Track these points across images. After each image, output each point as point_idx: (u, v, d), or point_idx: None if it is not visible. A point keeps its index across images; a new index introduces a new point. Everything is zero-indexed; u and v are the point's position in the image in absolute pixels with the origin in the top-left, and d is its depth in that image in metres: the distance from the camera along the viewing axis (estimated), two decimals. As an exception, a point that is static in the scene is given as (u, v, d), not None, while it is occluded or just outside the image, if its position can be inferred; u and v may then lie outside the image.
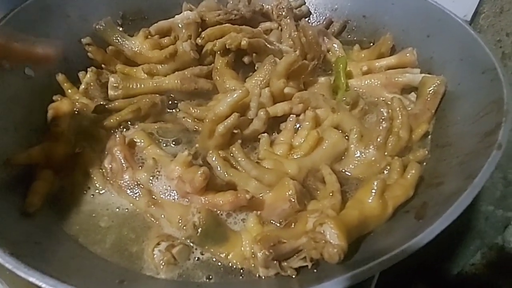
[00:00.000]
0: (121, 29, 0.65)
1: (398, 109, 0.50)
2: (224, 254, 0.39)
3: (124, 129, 0.56)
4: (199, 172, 0.39)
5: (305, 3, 0.82)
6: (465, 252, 0.97)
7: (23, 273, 0.29)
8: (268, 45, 0.60)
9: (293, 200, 0.40)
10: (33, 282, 0.29)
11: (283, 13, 0.75)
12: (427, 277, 1.06)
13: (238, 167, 0.47)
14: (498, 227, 0.91)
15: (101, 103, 0.58)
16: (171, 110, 0.60)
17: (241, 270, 0.39)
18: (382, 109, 0.49)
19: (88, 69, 0.65)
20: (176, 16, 0.66)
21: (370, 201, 0.39)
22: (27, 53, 0.44)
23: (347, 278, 0.30)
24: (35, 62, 0.46)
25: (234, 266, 0.39)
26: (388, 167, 0.47)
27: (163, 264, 0.38)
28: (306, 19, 0.82)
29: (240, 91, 0.47)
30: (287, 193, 0.40)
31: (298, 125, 0.54)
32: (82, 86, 0.61)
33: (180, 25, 0.65)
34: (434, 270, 1.05)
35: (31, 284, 0.28)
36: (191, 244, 0.40)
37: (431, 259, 1.04)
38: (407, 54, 0.64)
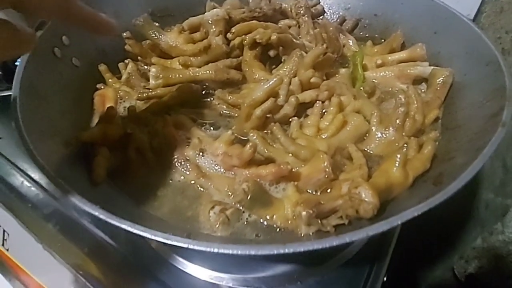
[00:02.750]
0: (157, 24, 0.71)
1: (413, 96, 0.57)
2: (269, 216, 0.45)
3: (166, 114, 0.61)
4: (249, 145, 0.46)
5: (319, 2, 0.88)
6: (466, 239, 1.02)
7: (117, 222, 0.35)
8: (294, 40, 0.66)
9: (328, 170, 0.46)
10: (125, 228, 0.35)
11: (302, 11, 0.81)
12: (429, 263, 1.12)
13: (274, 145, 0.53)
14: (498, 214, 0.95)
15: (143, 91, 0.64)
16: (205, 100, 0.66)
17: (284, 230, 0.45)
18: (400, 96, 0.55)
19: (125, 61, 0.71)
20: (206, 13, 0.72)
21: (394, 170, 0.46)
22: (92, 16, 0.38)
23: (380, 225, 0.36)
24: (99, 30, 0.39)
25: (278, 226, 0.46)
26: (405, 146, 0.54)
27: (218, 223, 0.44)
28: (321, 17, 0.89)
29: (276, 78, 0.54)
30: (322, 165, 0.46)
31: (323, 110, 0.60)
32: (125, 76, 0.67)
33: (209, 21, 0.71)
34: (436, 257, 1.11)
35: (123, 231, 0.34)
36: (241, 208, 0.47)
37: (433, 246, 1.11)
38: (417, 49, 0.71)
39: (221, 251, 0.33)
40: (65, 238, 0.62)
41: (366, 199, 0.40)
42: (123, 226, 0.35)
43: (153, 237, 0.34)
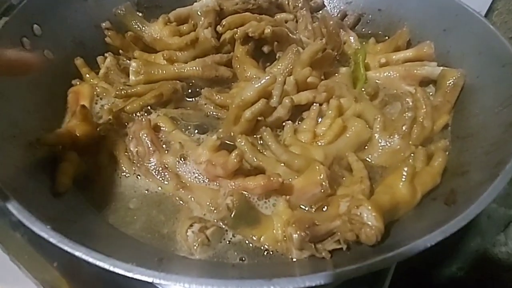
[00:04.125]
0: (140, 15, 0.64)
1: (422, 99, 0.51)
2: (256, 237, 0.40)
3: (146, 114, 0.55)
4: (234, 154, 0.40)
5: (319, -5, 0.82)
6: (466, 249, 0.98)
7: (69, 248, 0.29)
8: (290, 34, 0.60)
9: (324, 184, 0.40)
10: (79, 256, 0.29)
11: (299, 4, 0.75)
12: (428, 274, 1.08)
13: (265, 153, 0.47)
14: (500, 224, 0.92)
15: (122, 88, 0.57)
16: (190, 99, 0.60)
17: (273, 253, 0.40)
18: (407, 99, 0.49)
19: (106, 54, 0.65)
20: (195, 3, 0.66)
21: (401, 186, 0.40)
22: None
23: (386, 259, 0.31)
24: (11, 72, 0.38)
25: (266, 249, 0.40)
26: (412, 156, 0.48)
27: (196, 245, 0.38)
28: (320, 11, 0.83)
29: (268, 77, 0.47)
30: (318, 177, 0.41)
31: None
32: (102, 71, 0.61)
33: (199, 13, 0.64)
34: (435, 267, 1.06)
35: (77, 258, 0.28)
36: (223, 227, 0.41)
37: (432, 256, 1.06)
38: (425, 48, 0.65)
39: (193, 287, 0.27)
40: (34, 250, 0.56)
41: (368, 222, 0.34)
42: (76, 254, 0.29)
43: (112, 269, 0.28)
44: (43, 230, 0.30)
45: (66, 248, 0.29)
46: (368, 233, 0.34)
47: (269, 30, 0.57)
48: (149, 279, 0.28)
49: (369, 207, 0.35)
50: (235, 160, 0.40)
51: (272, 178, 0.40)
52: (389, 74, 0.63)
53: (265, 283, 0.28)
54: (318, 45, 0.52)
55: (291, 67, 0.56)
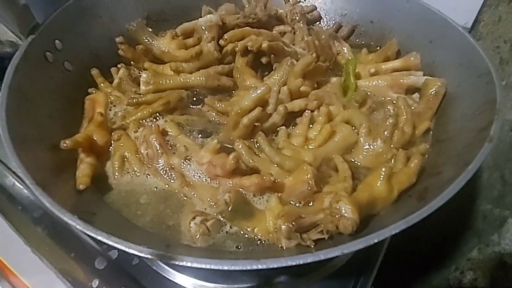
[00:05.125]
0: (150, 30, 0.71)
1: (402, 107, 0.56)
2: (250, 228, 0.45)
3: (155, 120, 0.61)
4: (231, 156, 0.45)
5: (316, 8, 0.88)
6: (463, 250, 1.01)
7: (93, 233, 0.35)
8: (285, 48, 0.66)
9: (311, 182, 0.45)
10: (102, 240, 0.35)
11: (297, 17, 0.81)
12: (424, 274, 1.11)
13: (260, 155, 0.53)
14: (495, 225, 0.94)
15: (133, 96, 0.64)
16: (194, 107, 0.66)
17: (265, 242, 0.45)
18: (389, 107, 0.55)
19: (118, 65, 0.71)
20: (200, 19, 0.72)
21: (378, 184, 0.45)
22: None
23: (356, 243, 0.36)
24: None
25: (259, 239, 0.45)
26: (394, 158, 0.53)
27: (198, 235, 0.44)
28: (317, 23, 0.89)
29: (264, 87, 0.53)
30: (305, 177, 0.46)
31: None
32: (116, 81, 0.67)
33: (203, 27, 0.70)
34: (431, 268, 1.10)
35: (99, 242, 0.34)
36: (222, 219, 0.46)
37: (429, 257, 1.10)
38: (412, 58, 0.70)
39: (194, 265, 0.33)
40: (53, 242, 0.63)
41: (346, 215, 0.40)
42: (99, 238, 0.35)
43: (127, 250, 0.34)
44: (71, 219, 0.36)
45: (90, 233, 0.35)
46: (345, 223, 0.39)
47: (266, 44, 0.63)
48: (157, 258, 0.33)
49: (346, 202, 0.40)
50: (232, 162, 0.45)
51: (265, 178, 0.45)
52: (377, 83, 0.69)
53: (254, 262, 0.33)
54: (309, 58, 0.58)
55: (285, 77, 0.62)
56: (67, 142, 0.48)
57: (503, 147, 0.86)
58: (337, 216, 0.40)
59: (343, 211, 0.40)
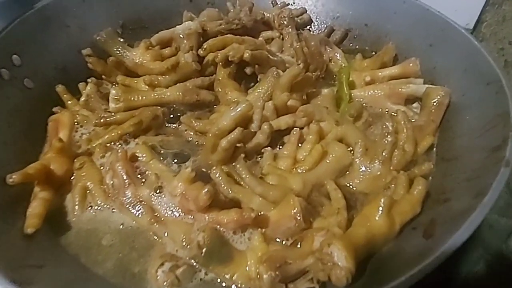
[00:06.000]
0: (122, 40, 0.64)
1: (403, 122, 0.50)
2: (229, 275, 0.38)
3: (125, 143, 0.55)
4: (204, 191, 0.39)
5: (306, 11, 0.81)
6: (468, 260, 0.95)
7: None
8: (270, 57, 0.60)
9: (298, 218, 0.39)
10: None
11: (285, 22, 0.75)
12: (429, 286, 1.05)
13: (242, 183, 0.46)
14: (502, 235, 0.90)
15: (102, 115, 0.57)
16: (171, 125, 0.59)
17: (246, 291, 0.38)
18: (387, 123, 0.48)
19: (88, 80, 0.64)
20: (177, 26, 0.65)
21: (377, 218, 0.39)
22: None
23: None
24: None
25: (239, 287, 0.38)
26: (394, 182, 0.46)
27: (166, 286, 0.37)
28: (308, 27, 0.82)
29: (244, 105, 0.47)
30: (292, 211, 0.39)
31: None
32: (83, 98, 0.60)
33: (181, 36, 0.64)
34: (437, 278, 1.04)
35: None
36: (195, 264, 0.40)
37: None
38: (410, 64, 0.64)
39: None
40: None
41: (339, 263, 0.33)
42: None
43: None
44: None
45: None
46: (338, 274, 0.32)
47: (248, 54, 0.56)
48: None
49: (339, 247, 0.33)
50: (205, 197, 0.39)
51: (244, 214, 0.39)
52: (374, 93, 0.62)
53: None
54: (296, 70, 0.51)
55: (270, 91, 0.55)
56: (14, 176, 0.41)
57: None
58: (329, 263, 0.33)
59: (336, 257, 0.33)
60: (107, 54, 0.64)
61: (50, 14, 0.64)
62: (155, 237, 0.43)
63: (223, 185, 0.44)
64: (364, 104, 0.61)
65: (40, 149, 0.55)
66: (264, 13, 0.77)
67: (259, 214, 0.42)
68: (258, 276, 0.37)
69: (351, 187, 0.49)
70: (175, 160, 0.52)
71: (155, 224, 0.43)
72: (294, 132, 0.52)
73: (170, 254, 0.40)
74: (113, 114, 0.57)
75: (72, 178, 0.49)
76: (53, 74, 0.63)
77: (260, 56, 0.58)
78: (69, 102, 0.61)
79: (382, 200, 0.39)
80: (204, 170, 0.50)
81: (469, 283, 0.96)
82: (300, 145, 0.52)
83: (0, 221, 0.40)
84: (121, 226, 0.45)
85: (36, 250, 0.39)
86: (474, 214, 0.34)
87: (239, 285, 0.38)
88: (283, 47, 0.72)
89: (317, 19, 0.82)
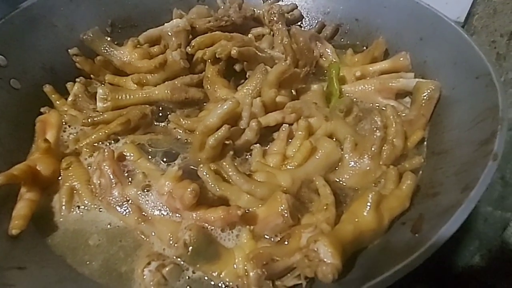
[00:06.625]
0: (109, 38, 0.63)
1: (391, 117, 0.50)
2: (216, 273, 0.38)
3: (113, 142, 0.54)
4: (189, 189, 0.38)
5: (297, 7, 0.81)
6: (464, 253, 0.96)
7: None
8: (258, 53, 0.59)
9: (286, 215, 0.39)
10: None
11: (275, 18, 0.74)
12: (426, 279, 1.05)
13: (230, 180, 0.46)
14: (497, 228, 0.90)
15: (90, 115, 0.56)
16: (160, 123, 0.58)
17: (234, 289, 0.38)
18: (375, 118, 0.48)
19: (77, 79, 0.64)
20: (166, 24, 0.65)
21: (365, 214, 0.38)
22: None
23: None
24: None
25: (227, 285, 0.38)
26: (384, 177, 0.46)
27: (153, 285, 0.37)
28: (299, 23, 0.82)
29: (231, 102, 0.46)
30: (279, 208, 0.39)
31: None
32: (70, 98, 0.60)
33: (169, 33, 0.63)
34: (433, 272, 1.04)
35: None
36: (182, 263, 0.39)
37: (430, 260, 1.04)
38: (401, 59, 0.63)
39: None
40: None
41: (325, 259, 0.33)
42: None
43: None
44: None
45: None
46: (324, 271, 0.32)
47: (235, 51, 0.56)
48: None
49: (326, 243, 0.33)
50: (190, 196, 0.38)
51: (230, 211, 0.38)
52: (364, 88, 0.62)
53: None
54: (283, 66, 0.51)
55: (259, 87, 0.54)
56: (2, 176, 0.40)
57: (503, 147, 0.80)
58: (315, 260, 0.33)
59: (322, 254, 0.33)
60: (96, 53, 0.63)
61: (36, 13, 0.63)
62: (143, 236, 0.43)
63: (210, 183, 0.43)
64: (354, 99, 0.61)
65: (28, 150, 0.54)
66: (254, 9, 0.77)
67: (247, 211, 0.41)
68: (246, 273, 0.37)
69: (341, 182, 0.48)
70: (164, 159, 0.52)
71: (142, 223, 0.43)
72: (283, 129, 0.52)
73: (157, 253, 0.40)
74: (101, 113, 0.57)
75: (60, 178, 0.48)
76: (40, 74, 0.62)
77: (247, 52, 0.57)
78: (57, 102, 0.61)
79: (370, 196, 0.39)
80: (193, 168, 0.49)
81: (465, 275, 0.96)
82: (290, 141, 0.52)
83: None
84: (108, 226, 0.44)
85: (20, 251, 0.39)
86: (460, 208, 0.34)
87: (227, 283, 0.38)
88: (274, 43, 0.72)
89: (308, 15, 0.81)
